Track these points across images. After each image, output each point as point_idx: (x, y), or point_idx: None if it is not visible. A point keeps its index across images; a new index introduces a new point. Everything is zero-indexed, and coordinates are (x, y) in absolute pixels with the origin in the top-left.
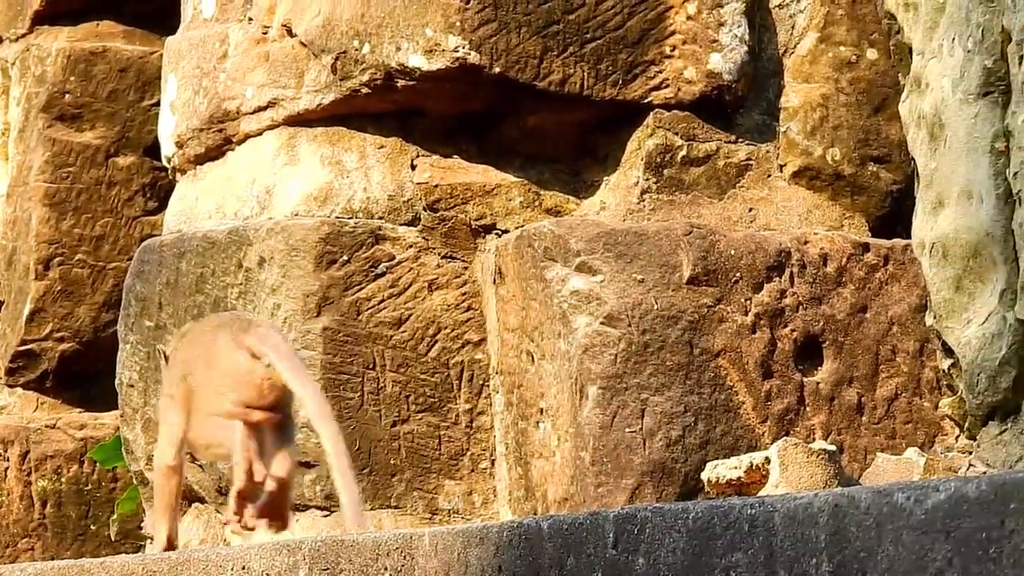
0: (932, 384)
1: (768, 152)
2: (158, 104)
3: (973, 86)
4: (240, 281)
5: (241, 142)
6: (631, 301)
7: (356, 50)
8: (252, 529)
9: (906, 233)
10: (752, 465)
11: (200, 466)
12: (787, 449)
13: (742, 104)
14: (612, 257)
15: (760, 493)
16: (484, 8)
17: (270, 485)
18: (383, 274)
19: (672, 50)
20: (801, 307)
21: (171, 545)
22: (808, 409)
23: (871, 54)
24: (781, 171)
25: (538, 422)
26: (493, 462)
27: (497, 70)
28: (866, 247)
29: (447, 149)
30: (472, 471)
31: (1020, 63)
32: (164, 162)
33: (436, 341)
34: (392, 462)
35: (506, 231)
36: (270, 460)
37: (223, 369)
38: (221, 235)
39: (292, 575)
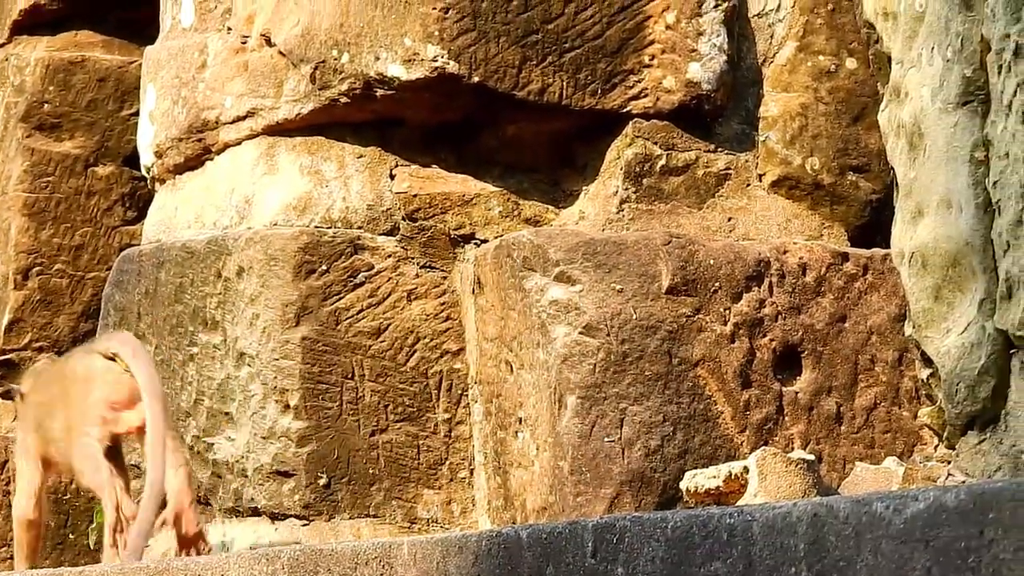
0: (911, 394)
1: (747, 161)
2: (137, 114)
3: (952, 95)
4: (219, 291)
5: (220, 152)
6: (610, 311)
7: (335, 60)
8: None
9: (885, 243)
10: (731, 474)
11: None
12: (766, 459)
13: (721, 113)
14: (591, 267)
15: (739, 503)
16: (463, 18)
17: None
18: (362, 284)
19: (651, 59)
20: (780, 317)
21: None
22: (787, 419)
23: (850, 63)
24: (760, 180)
25: (517, 431)
26: (472, 471)
27: (476, 79)
28: (845, 257)
29: (426, 159)
30: (451, 480)
31: (999, 72)
32: (143, 172)
33: (415, 351)
34: (371, 471)
35: (485, 241)
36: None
37: (81, 379)
38: (200, 245)
39: None
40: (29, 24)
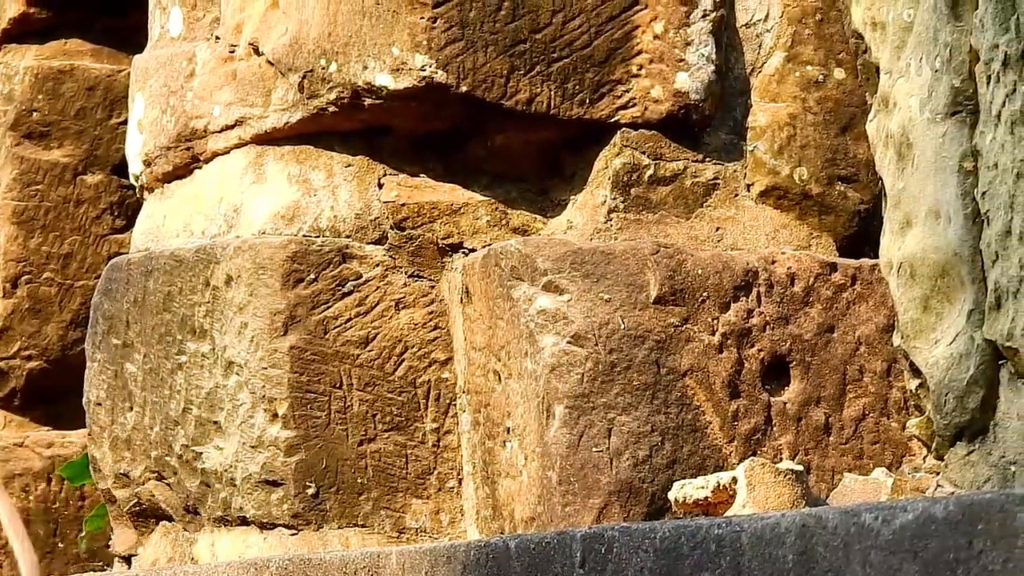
0: (900, 404)
1: (735, 171)
2: (126, 122)
3: (941, 105)
4: (207, 299)
5: (208, 160)
6: (598, 320)
7: (323, 69)
8: None
9: (874, 253)
10: (719, 485)
11: (167, 484)
12: (754, 469)
13: (709, 123)
14: (579, 276)
15: (727, 513)
16: (451, 27)
17: None
18: (350, 293)
19: (639, 69)
20: (768, 327)
21: None
22: (775, 429)
23: (838, 73)
24: (748, 190)
25: (505, 441)
26: (460, 481)
27: (464, 89)
28: (833, 267)
29: (414, 168)
30: (439, 490)
31: (988, 83)
32: (132, 180)
33: (403, 360)
34: (359, 481)
35: (473, 250)
36: None
37: None
38: (188, 253)
39: None
40: (18, 33)
